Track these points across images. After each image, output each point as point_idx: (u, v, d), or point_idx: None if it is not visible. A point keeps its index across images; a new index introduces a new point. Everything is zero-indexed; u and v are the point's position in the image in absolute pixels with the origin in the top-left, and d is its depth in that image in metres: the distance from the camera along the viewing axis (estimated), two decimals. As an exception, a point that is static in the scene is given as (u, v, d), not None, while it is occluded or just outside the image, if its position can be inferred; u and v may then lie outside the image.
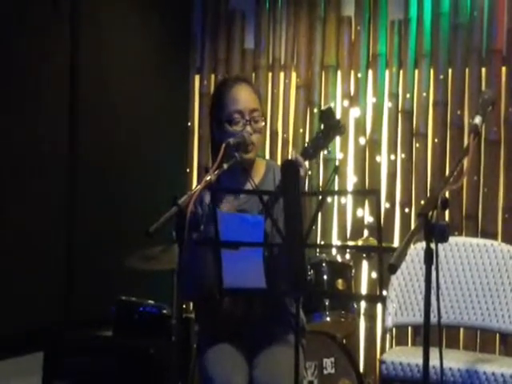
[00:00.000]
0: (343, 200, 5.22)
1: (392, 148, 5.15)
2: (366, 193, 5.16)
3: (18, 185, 4.18)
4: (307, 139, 5.28)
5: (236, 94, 3.16)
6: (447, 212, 4.88)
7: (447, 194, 2.37)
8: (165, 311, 4.27)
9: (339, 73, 5.31)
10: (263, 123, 3.18)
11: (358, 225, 5.18)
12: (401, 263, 2.16)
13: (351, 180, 5.24)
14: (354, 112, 5.24)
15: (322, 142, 2.93)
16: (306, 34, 5.38)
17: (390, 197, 5.12)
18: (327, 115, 2.92)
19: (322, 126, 2.94)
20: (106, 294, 4.48)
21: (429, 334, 2.32)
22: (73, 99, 4.54)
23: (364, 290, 5.08)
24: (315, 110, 5.31)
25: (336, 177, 5.06)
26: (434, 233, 2.26)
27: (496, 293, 4.22)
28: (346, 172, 5.23)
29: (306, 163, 2.96)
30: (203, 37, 5.67)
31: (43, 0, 4.36)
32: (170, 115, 5.40)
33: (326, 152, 2.97)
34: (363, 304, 5.04)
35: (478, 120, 2.66)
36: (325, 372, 4.12)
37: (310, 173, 5.24)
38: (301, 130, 5.36)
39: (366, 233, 5.14)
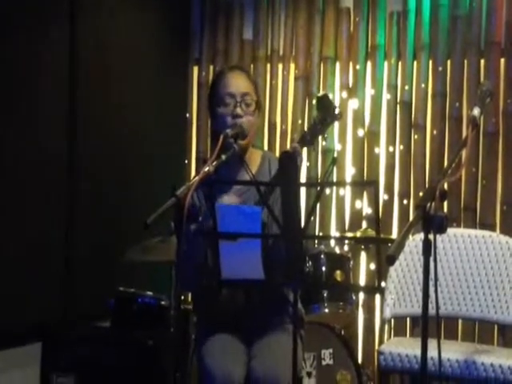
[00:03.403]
0: (341, 191, 5.21)
1: (390, 139, 5.15)
2: (365, 184, 5.16)
3: (18, 177, 4.18)
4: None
5: (228, 79, 3.20)
6: (445, 203, 4.88)
7: (446, 186, 2.37)
8: (163, 302, 4.28)
9: (338, 64, 5.30)
10: (255, 107, 3.19)
11: (357, 216, 5.18)
12: (399, 254, 2.16)
13: (349, 171, 5.23)
14: (353, 103, 5.24)
15: (319, 129, 2.93)
16: (304, 25, 5.38)
17: (389, 188, 5.12)
18: (323, 102, 2.92)
19: (319, 113, 2.94)
20: (104, 285, 4.49)
21: (427, 325, 2.32)
22: (72, 92, 4.53)
23: (362, 282, 5.08)
24: (314, 102, 5.30)
25: (334, 168, 5.06)
26: (433, 224, 2.26)
27: (494, 284, 4.22)
28: (345, 163, 5.23)
29: (304, 150, 2.97)
30: (202, 28, 5.66)
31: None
32: (168, 106, 5.40)
33: (323, 139, 2.97)
34: (362, 295, 5.05)
35: (476, 112, 2.66)
36: (323, 363, 4.13)
37: (308, 164, 5.25)
38: (299, 122, 5.35)
39: (364, 224, 5.13)
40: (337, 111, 2.93)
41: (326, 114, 2.91)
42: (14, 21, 4.14)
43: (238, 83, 3.19)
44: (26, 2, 4.22)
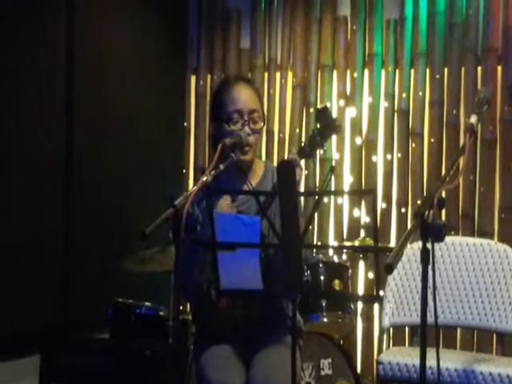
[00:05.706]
0: (340, 200, 5.21)
1: (388, 148, 5.15)
2: (363, 193, 5.15)
3: (16, 186, 4.17)
4: (303, 139, 5.27)
5: (236, 94, 3.15)
6: (443, 211, 4.88)
7: (443, 194, 2.36)
8: (161, 313, 4.27)
9: (335, 72, 5.31)
10: (262, 124, 3.17)
11: (355, 225, 5.17)
12: (397, 263, 2.15)
13: (347, 180, 5.23)
14: (350, 112, 5.24)
15: (319, 141, 2.94)
16: (301, 33, 5.38)
17: (387, 197, 5.11)
18: (323, 114, 2.93)
19: (319, 125, 2.94)
20: (102, 296, 4.48)
21: (426, 334, 2.32)
22: (70, 99, 4.54)
23: (361, 291, 5.07)
24: (311, 110, 5.30)
25: (332, 177, 5.07)
26: (431, 232, 2.26)
27: (492, 292, 4.21)
28: (343, 172, 5.22)
29: (303, 162, 2.96)
30: (199, 37, 5.67)
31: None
32: (166, 115, 5.40)
33: (322, 151, 2.98)
34: (360, 304, 5.04)
35: (474, 119, 2.66)
36: (322, 373, 4.11)
37: (306, 172, 5.24)
38: (297, 130, 5.35)
39: (362, 233, 5.13)
40: (336, 124, 2.94)
41: (325, 126, 2.92)
42: (13, 20, 4.15)
43: (245, 99, 3.15)
44: (26, 2, 4.22)
